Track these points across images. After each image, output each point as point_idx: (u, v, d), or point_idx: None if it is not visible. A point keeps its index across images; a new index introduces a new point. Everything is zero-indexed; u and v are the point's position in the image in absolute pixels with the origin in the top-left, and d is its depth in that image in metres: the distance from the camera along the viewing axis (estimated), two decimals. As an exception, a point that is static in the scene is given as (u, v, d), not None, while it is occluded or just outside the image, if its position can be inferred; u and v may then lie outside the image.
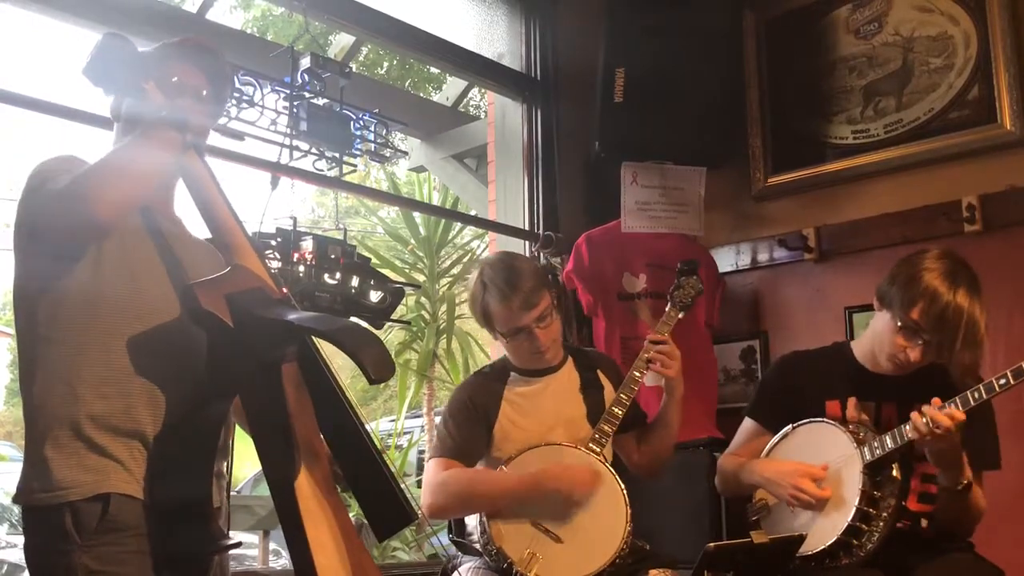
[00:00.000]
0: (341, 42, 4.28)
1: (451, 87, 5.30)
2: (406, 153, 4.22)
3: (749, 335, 3.77)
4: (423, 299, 6.39)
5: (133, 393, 1.68)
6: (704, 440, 3.36)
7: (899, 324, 2.20)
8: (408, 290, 3.52)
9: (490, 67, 3.91)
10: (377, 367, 1.51)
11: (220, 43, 1.98)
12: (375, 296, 2.75)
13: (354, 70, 3.14)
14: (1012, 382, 2.05)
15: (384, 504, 1.75)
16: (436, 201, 6.76)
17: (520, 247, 3.77)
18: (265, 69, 2.72)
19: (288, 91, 2.73)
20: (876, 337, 2.30)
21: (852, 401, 2.34)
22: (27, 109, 2.48)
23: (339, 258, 2.65)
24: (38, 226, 1.69)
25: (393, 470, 1.76)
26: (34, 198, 1.68)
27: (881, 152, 3.54)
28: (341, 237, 2.74)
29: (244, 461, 5.94)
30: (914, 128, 3.48)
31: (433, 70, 7.97)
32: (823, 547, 2.18)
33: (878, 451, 2.19)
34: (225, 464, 1.89)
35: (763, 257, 3.78)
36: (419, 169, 5.80)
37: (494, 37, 3.99)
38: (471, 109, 6.29)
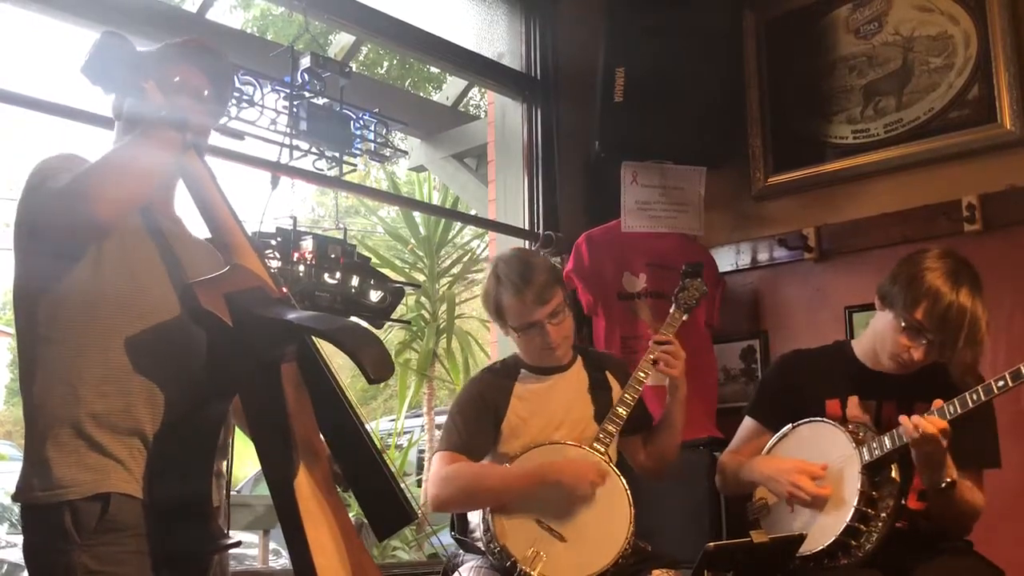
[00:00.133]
0: (341, 42, 4.28)
1: (451, 87, 5.30)
2: (406, 153, 4.22)
3: (749, 335, 3.77)
4: (423, 299, 6.39)
5: (133, 392, 1.69)
6: (704, 440, 3.36)
7: (902, 324, 2.20)
8: (408, 290, 3.52)
9: (490, 67, 3.91)
10: (376, 367, 1.51)
11: (220, 43, 1.98)
12: (375, 296, 2.75)
13: (354, 70, 3.14)
14: (1010, 384, 2.05)
15: (384, 504, 1.75)
16: (436, 201, 6.76)
17: (520, 247, 3.77)
18: (265, 69, 2.72)
19: (288, 91, 2.73)
20: (878, 336, 2.31)
21: (853, 400, 2.34)
22: (27, 109, 2.48)
23: (339, 258, 2.65)
24: (38, 225, 1.69)
25: (393, 470, 1.76)
26: (34, 197, 1.68)
27: (881, 152, 3.54)
28: (341, 236, 2.74)
29: (244, 460, 5.94)
30: (914, 128, 3.48)
31: (433, 70, 7.97)
32: (822, 547, 2.18)
33: (877, 452, 2.19)
34: (224, 463, 1.89)
35: (763, 257, 3.78)
36: (419, 169, 5.80)
37: (494, 37, 3.99)
38: (471, 109, 6.29)
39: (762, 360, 3.70)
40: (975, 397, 2.08)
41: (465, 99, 5.39)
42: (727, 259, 3.84)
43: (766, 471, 2.35)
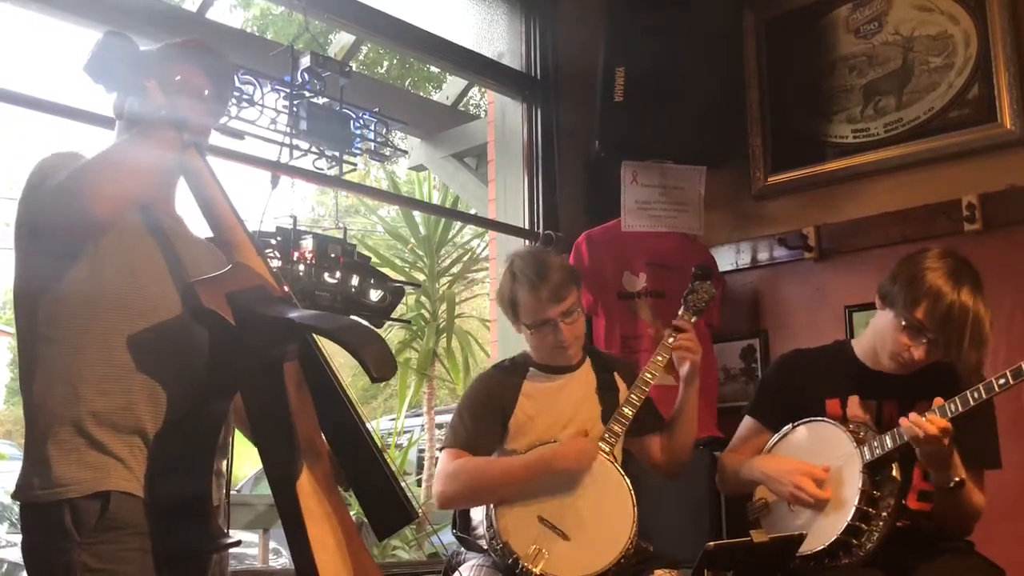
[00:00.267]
0: (341, 41, 4.29)
1: (451, 86, 5.30)
2: (406, 152, 4.23)
3: (749, 334, 3.77)
4: (423, 298, 6.40)
5: (133, 391, 1.68)
6: (704, 439, 3.36)
7: (903, 323, 2.20)
8: (408, 289, 3.52)
9: (490, 66, 3.91)
10: (379, 365, 1.51)
11: (220, 42, 1.98)
12: (375, 295, 2.75)
13: (354, 69, 3.14)
14: (1012, 382, 2.05)
15: (384, 503, 1.75)
16: (436, 200, 6.76)
17: (520, 246, 3.77)
18: (265, 68, 2.72)
19: (288, 90, 2.73)
20: (878, 336, 2.31)
21: (854, 399, 2.34)
22: (28, 108, 2.48)
23: (339, 257, 2.65)
24: (38, 224, 1.69)
25: (393, 469, 1.76)
26: (35, 195, 1.68)
27: (881, 151, 3.54)
28: (341, 236, 2.75)
29: (244, 460, 5.94)
30: (914, 127, 3.48)
31: (433, 69, 7.97)
32: (823, 546, 2.18)
33: (878, 451, 2.19)
34: (224, 462, 1.89)
35: (763, 256, 3.78)
36: (419, 168, 5.81)
37: (494, 36, 3.99)
38: (471, 108, 6.29)
39: (762, 360, 3.70)
40: (976, 395, 2.08)
41: (465, 98, 5.39)
42: (727, 258, 3.84)
43: (768, 471, 2.35)
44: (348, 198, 9.04)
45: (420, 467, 6.70)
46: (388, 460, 1.78)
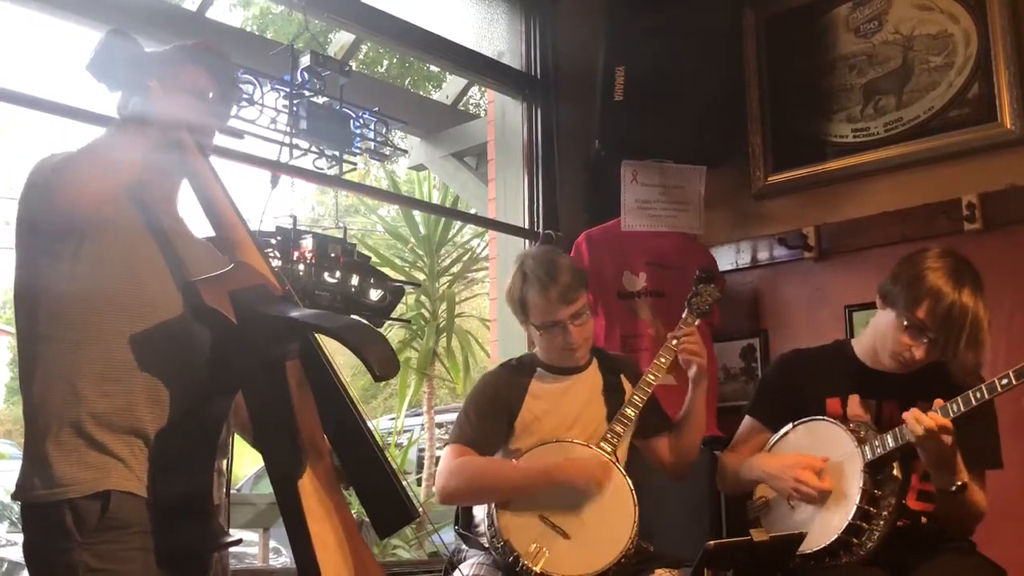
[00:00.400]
0: (341, 40, 4.29)
1: (451, 85, 5.30)
2: (406, 151, 4.23)
3: (749, 333, 3.77)
4: (423, 297, 6.40)
5: (134, 390, 1.69)
6: (705, 438, 3.35)
7: (905, 323, 2.20)
8: (408, 288, 3.52)
9: (490, 65, 3.91)
10: (382, 364, 1.52)
11: (219, 41, 1.98)
12: (375, 294, 2.75)
13: (354, 68, 3.14)
14: (1014, 382, 2.04)
15: (385, 502, 1.75)
16: (436, 199, 6.76)
17: (520, 246, 3.77)
18: (265, 67, 2.72)
19: (288, 89, 2.73)
20: (879, 335, 2.31)
21: (855, 398, 2.34)
22: (28, 108, 2.48)
23: (339, 256, 2.65)
24: (37, 222, 1.69)
25: (394, 467, 1.76)
26: (34, 194, 1.68)
27: (881, 150, 3.54)
28: (341, 235, 2.74)
29: (244, 458, 5.94)
30: (914, 126, 3.48)
31: (433, 68, 7.97)
32: (823, 545, 2.18)
33: (879, 450, 2.19)
34: (225, 462, 1.90)
35: (763, 255, 3.78)
36: (419, 167, 5.80)
37: (494, 35, 3.99)
38: (471, 107, 6.29)
39: (762, 359, 3.70)
40: (978, 395, 2.08)
41: (465, 98, 5.39)
42: (727, 258, 3.84)
43: (767, 469, 2.35)
44: (348, 197, 9.04)
45: (420, 466, 6.70)
46: (389, 459, 1.78)
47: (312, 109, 2.76)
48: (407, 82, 8.36)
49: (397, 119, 3.14)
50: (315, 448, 1.71)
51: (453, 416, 2.80)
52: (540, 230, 3.78)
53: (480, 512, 2.42)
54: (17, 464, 1.71)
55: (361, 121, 2.91)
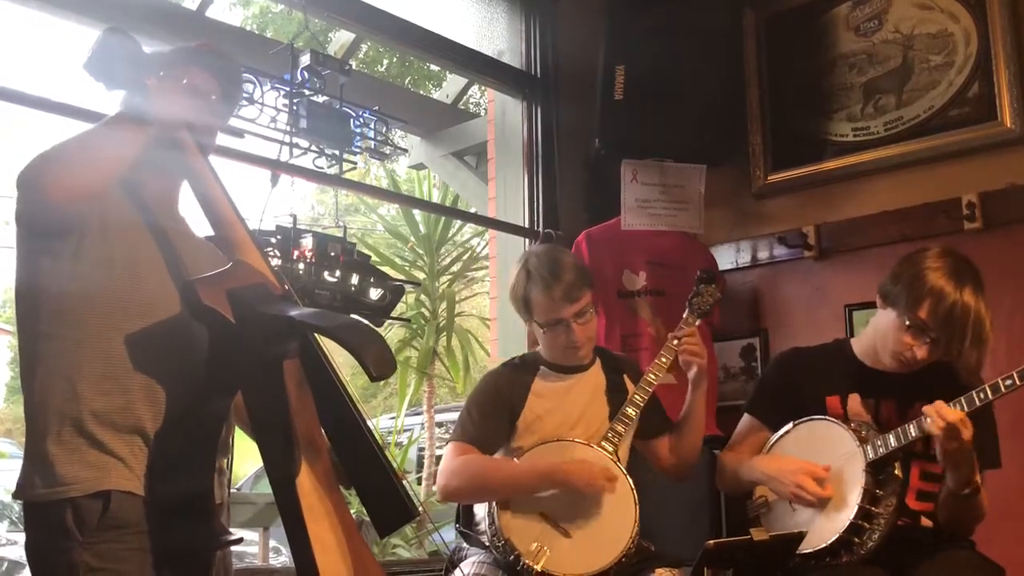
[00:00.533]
0: (341, 39, 4.28)
1: (451, 84, 5.30)
2: (406, 150, 4.22)
3: (749, 333, 3.77)
4: (423, 296, 6.40)
5: (133, 389, 1.69)
6: (704, 437, 3.35)
7: (906, 323, 2.20)
8: (408, 287, 3.52)
9: (490, 64, 3.91)
10: (379, 364, 1.52)
11: (219, 40, 1.99)
12: (375, 294, 2.75)
13: (354, 67, 3.14)
14: (1018, 383, 2.04)
15: (385, 501, 1.75)
16: (436, 198, 6.76)
17: (520, 245, 3.77)
18: (265, 66, 2.72)
19: (288, 88, 2.73)
20: (879, 335, 2.30)
21: (855, 397, 2.34)
22: (28, 107, 2.48)
23: (339, 256, 2.65)
24: (30, 215, 1.69)
25: (394, 466, 1.76)
26: (24, 186, 1.68)
27: (881, 150, 3.54)
28: (341, 235, 2.74)
29: (244, 458, 5.94)
30: (914, 126, 3.48)
31: (433, 67, 7.97)
32: (824, 545, 2.18)
33: (881, 449, 2.18)
34: (225, 461, 1.90)
35: (763, 255, 3.78)
36: (419, 166, 5.80)
37: (494, 34, 3.99)
38: (471, 106, 6.29)
39: (762, 358, 3.70)
40: (982, 396, 2.07)
41: (465, 97, 5.39)
42: (727, 257, 3.84)
43: (768, 471, 2.35)
44: (348, 196, 9.03)
45: (420, 465, 6.71)
46: (389, 458, 1.78)
47: (312, 108, 2.76)
48: (407, 81, 8.37)
49: (397, 118, 3.14)
50: (314, 447, 1.71)
51: (453, 415, 2.80)
52: (540, 229, 3.78)
53: (481, 511, 2.42)
54: (17, 463, 1.71)
55: (361, 120, 2.92)
